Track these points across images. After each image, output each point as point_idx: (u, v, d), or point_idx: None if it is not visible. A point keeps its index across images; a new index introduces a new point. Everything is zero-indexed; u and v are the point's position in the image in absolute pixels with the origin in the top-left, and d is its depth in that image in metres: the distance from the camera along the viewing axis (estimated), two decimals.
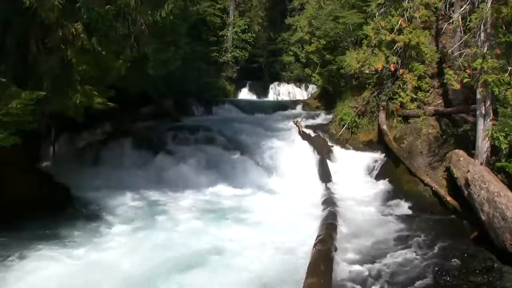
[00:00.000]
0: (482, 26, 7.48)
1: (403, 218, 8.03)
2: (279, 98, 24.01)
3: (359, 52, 12.34)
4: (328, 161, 11.46)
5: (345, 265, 6.03)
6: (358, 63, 11.99)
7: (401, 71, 11.78)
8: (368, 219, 8.06)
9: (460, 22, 8.56)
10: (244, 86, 24.76)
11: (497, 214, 6.01)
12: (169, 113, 15.44)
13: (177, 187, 9.71)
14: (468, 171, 7.18)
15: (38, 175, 8.75)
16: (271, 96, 24.37)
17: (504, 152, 7.11)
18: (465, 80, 7.78)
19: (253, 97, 24.16)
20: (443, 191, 8.46)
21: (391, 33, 11.57)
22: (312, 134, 13.24)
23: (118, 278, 5.59)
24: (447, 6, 9.99)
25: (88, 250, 6.46)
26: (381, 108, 12.11)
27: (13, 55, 6.47)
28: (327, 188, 9.78)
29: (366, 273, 5.90)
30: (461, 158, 7.96)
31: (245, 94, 24.48)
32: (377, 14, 12.16)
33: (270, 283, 5.55)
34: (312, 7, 20.21)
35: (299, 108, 19.52)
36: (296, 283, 5.29)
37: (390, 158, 10.70)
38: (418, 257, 6.36)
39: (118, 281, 5.52)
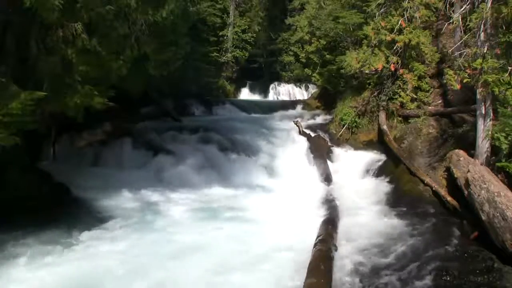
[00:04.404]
0: (482, 26, 7.47)
1: (403, 218, 8.01)
2: (279, 98, 24.05)
3: (359, 52, 12.35)
4: (328, 161, 11.47)
5: (345, 265, 6.04)
6: (358, 63, 12.00)
7: (401, 71, 11.79)
8: (368, 219, 8.06)
9: (460, 22, 8.55)
10: (244, 86, 24.81)
11: (497, 214, 6.01)
12: (169, 113, 15.43)
13: (176, 187, 9.69)
14: (468, 171, 7.17)
15: (38, 174, 8.74)
16: (271, 96, 24.41)
17: (504, 152, 7.11)
18: (465, 80, 7.78)
19: (253, 97, 24.19)
20: (443, 191, 8.46)
21: (391, 33, 11.58)
22: (312, 134, 13.24)
23: (115, 278, 5.60)
24: (447, 6, 9.99)
25: (86, 250, 6.45)
26: (381, 108, 12.12)
27: (13, 55, 6.47)
28: (327, 188, 9.79)
29: (366, 273, 5.90)
30: (461, 158, 7.96)
31: (245, 94, 24.52)
32: (377, 14, 12.16)
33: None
34: (312, 7, 20.25)
35: (299, 108, 19.50)
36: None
37: (390, 158, 10.70)
38: (418, 257, 6.35)
39: (114, 281, 5.53)
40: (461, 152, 8.19)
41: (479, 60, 7.38)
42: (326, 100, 17.88)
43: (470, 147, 8.27)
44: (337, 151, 12.37)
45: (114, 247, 6.58)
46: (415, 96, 11.71)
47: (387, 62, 11.72)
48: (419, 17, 11.44)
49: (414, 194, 8.98)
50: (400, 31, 11.50)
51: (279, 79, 25.92)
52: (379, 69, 11.84)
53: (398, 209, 8.54)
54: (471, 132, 8.73)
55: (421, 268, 5.99)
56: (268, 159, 11.56)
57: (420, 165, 9.64)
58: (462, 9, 8.34)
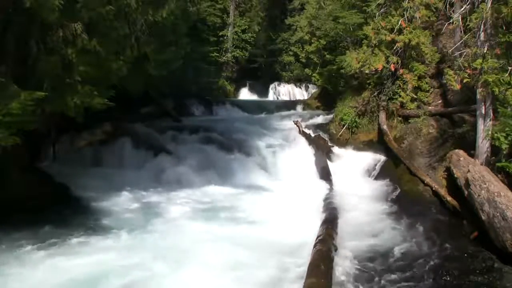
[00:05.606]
0: (482, 26, 7.48)
1: (403, 218, 8.02)
2: (279, 98, 24.06)
3: (359, 52, 12.34)
4: (328, 161, 11.46)
5: (345, 265, 6.03)
6: (358, 63, 11.99)
7: (401, 71, 11.79)
8: (368, 219, 8.06)
9: (460, 22, 8.56)
10: (244, 86, 24.82)
11: (497, 214, 6.02)
12: (169, 113, 15.43)
13: (176, 187, 9.69)
14: (468, 171, 7.18)
15: (38, 175, 8.75)
16: (271, 96, 24.42)
17: (504, 152, 7.11)
18: (465, 80, 7.79)
19: (253, 97, 24.21)
20: (443, 191, 8.47)
21: (391, 33, 11.58)
22: (312, 134, 13.23)
23: (115, 278, 5.59)
24: (447, 6, 9.99)
25: (86, 250, 6.43)
26: (381, 108, 12.12)
27: (13, 55, 6.47)
28: (327, 188, 9.78)
29: (366, 273, 5.90)
30: (461, 158, 7.96)
31: (245, 94, 24.53)
32: (377, 14, 12.16)
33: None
34: (312, 7, 20.28)
35: (299, 108, 19.51)
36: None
37: (390, 158, 10.70)
38: (418, 257, 6.36)
39: (114, 281, 5.52)
40: (461, 152, 8.20)
41: (479, 60, 7.39)
42: (326, 100, 17.88)
43: (470, 147, 8.27)
44: (337, 151, 12.36)
45: (114, 247, 6.57)
46: (415, 96, 11.71)
47: (387, 62, 11.72)
48: (419, 17, 11.44)
49: (414, 194, 9.00)
50: (400, 31, 11.50)
51: (279, 79, 25.94)
52: (379, 69, 11.83)
53: (398, 209, 8.55)
54: (471, 132, 8.73)
55: (421, 268, 6.00)
56: (268, 159, 11.56)
57: (420, 165, 9.65)
58: (462, 9, 8.34)
